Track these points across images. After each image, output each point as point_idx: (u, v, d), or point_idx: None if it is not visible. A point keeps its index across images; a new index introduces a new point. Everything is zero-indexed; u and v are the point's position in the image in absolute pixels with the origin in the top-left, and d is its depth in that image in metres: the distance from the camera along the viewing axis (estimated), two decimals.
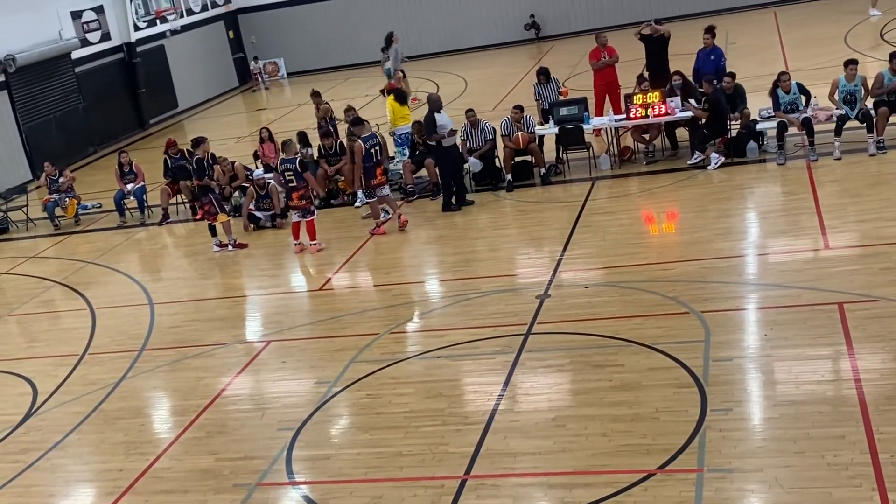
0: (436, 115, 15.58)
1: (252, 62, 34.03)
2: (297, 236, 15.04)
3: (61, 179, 19.29)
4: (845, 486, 7.13)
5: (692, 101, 15.74)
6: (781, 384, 8.82)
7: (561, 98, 17.71)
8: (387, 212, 15.59)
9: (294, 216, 15.07)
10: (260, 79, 33.75)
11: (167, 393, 11.09)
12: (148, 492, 8.80)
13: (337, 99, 24.45)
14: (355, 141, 15.10)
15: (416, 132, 16.90)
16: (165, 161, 18.61)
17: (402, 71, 23.91)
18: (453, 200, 15.75)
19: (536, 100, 18.06)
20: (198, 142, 16.09)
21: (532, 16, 31.61)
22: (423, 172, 16.90)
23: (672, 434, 8.17)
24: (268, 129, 18.98)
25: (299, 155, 15.73)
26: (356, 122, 15.72)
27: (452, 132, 15.63)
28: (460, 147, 16.25)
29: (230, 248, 15.67)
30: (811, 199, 13.36)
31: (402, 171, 16.96)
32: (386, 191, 15.18)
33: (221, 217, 15.69)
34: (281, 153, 15.76)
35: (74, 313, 14.10)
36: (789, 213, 13.12)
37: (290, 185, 14.93)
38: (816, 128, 14.99)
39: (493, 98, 23.51)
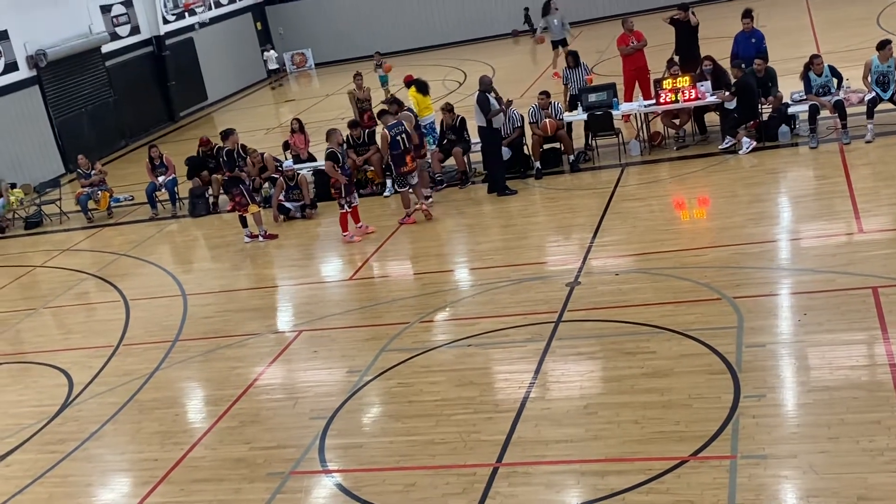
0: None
1: (264, 52, 33.48)
2: (357, 220, 15.08)
3: (93, 173, 19.49)
4: (880, 472, 7.07)
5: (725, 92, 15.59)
6: (815, 370, 8.75)
7: (588, 84, 17.61)
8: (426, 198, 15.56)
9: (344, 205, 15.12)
10: (282, 66, 33.57)
11: (201, 383, 11.19)
12: (183, 481, 8.90)
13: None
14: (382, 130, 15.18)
15: (445, 118, 16.83)
16: (198, 154, 18.76)
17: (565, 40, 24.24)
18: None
19: (564, 84, 17.98)
20: (227, 133, 16.16)
21: (526, 8, 31.32)
22: (451, 161, 16.88)
23: (705, 421, 8.13)
24: (298, 120, 19.04)
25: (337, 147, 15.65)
26: (381, 112, 15.74)
27: (499, 111, 15.67)
28: None
29: (261, 238, 15.75)
30: (844, 182, 13.22)
31: (430, 161, 16.94)
32: (415, 179, 15.13)
33: (252, 208, 15.77)
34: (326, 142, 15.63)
35: (108, 305, 14.25)
36: (822, 197, 12.99)
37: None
38: (849, 110, 14.82)
39: (520, 85, 23.43)
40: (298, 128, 18.72)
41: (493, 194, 15.75)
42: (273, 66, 33.25)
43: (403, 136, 14.82)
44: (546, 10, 24.90)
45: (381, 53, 25.94)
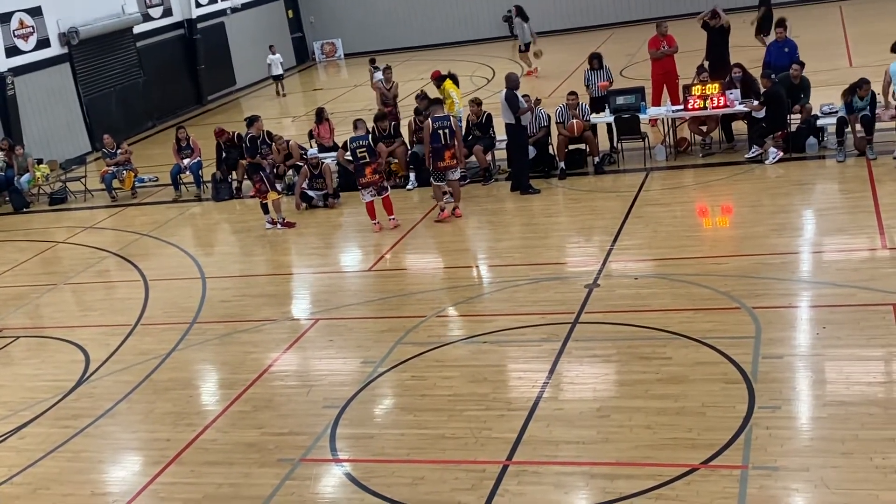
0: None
1: (270, 53, 29.60)
2: (373, 216, 14.92)
3: (119, 152, 19.60)
4: (893, 490, 7.01)
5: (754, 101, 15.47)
6: (831, 384, 8.70)
7: (601, 90, 17.46)
8: (451, 194, 15.47)
9: (366, 195, 14.92)
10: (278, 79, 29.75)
11: (216, 366, 11.24)
12: (194, 462, 8.94)
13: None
14: (425, 119, 15.08)
15: (472, 113, 16.78)
16: (218, 146, 18.64)
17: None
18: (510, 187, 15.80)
19: (586, 86, 17.85)
20: (251, 120, 16.20)
21: (509, 10, 31.03)
22: (473, 158, 16.79)
23: (718, 429, 8.10)
24: (324, 110, 19.07)
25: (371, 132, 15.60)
26: (433, 101, 15.67)
27: (528, 109, 15.65)
28: None
29: (279, 226, 15.78)
30: (870, 197, 13.11)
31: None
32: (456, 175, 14.95)
33: (272, 195, 15.75)
34: (353, 132, 15.34)
35: (128, 284, 14.34)
36: (847, 211, 12.90)
37: (363, 161, 14.77)
38: (877, 126, 14.68)
39: (548, 85, 23.37)
40: (324, 117, 18.74)
41: (516, 192, 15.72)
42: (277, 70, 29.24)
43: (446, 130, 14.57)
44: (525, 16, 25.34)
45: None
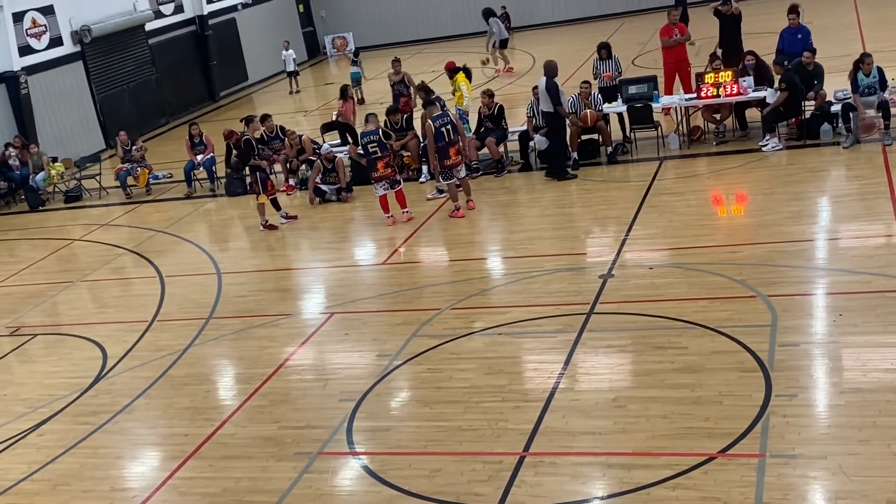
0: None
1: (284, 49, 29.33)
2: (386, 209, 14.90)
3: (133, 149, 19.68)
4: None
5: (775, 89, 15.37)
6: (848, 371, 8.67)
7: (606, 81, 17.38)
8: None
9: (379, 189, 14.90)
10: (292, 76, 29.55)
11: (232, 361, 11.29)
12: (212, 457, 8.99)
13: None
14: (426, 121, 15.02)
15: (483, 105, 16.74)
16: (228, 147, 18.62)
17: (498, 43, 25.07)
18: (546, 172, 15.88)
19: (595, 75, 17.75)
20: (248, 121, 16.15)
21: (504, 7, 30.73)
22: (486, 150, 16.76)
23: (735, 418, 8.08)
24: (348, 87, 19.16)
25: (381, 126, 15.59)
26: (427, 102, 15.61)
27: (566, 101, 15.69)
28: (526, 125, 16.22)
29: (261, 228, 15.69)
30: (885, 183, 13.03)
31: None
32: (462, 172, 14.87)
33: (261, 198, 15.65)
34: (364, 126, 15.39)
35: (144, 280, 14.40)
36: (862, 198, 12.82)
37: (374, 156, 14.77)
38: (893, 111, 14.59)
39: (560, 75, 23.25)
40: (348, 95, 18.77)
41: (549, 178, 15.70)
42: (291, 67, 28.86)
43: (448, 127, 14.48)
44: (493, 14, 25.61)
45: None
